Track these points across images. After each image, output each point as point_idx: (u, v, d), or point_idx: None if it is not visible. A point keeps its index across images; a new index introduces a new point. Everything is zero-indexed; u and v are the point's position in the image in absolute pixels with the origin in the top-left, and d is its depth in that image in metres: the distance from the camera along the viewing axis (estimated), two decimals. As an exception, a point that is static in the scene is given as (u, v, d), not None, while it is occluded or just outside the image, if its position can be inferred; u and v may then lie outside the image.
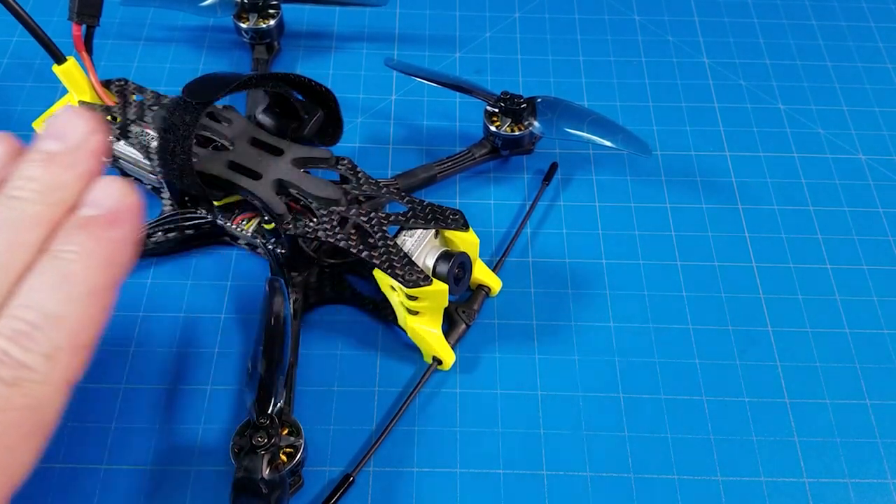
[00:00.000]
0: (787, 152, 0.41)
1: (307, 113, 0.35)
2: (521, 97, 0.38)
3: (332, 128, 0.36)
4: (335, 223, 0.31)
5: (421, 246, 0.31)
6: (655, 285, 0.36)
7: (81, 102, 0.36)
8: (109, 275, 0.20)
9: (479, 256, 0.34)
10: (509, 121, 0.38)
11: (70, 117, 0.21)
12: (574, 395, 0.32)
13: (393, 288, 0.31)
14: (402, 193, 0.32)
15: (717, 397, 0.33)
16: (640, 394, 0.33)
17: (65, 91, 0.36)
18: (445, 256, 0.31)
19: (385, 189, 0.32)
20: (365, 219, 0.31)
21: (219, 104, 0.34)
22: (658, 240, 0.37)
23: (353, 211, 0.31)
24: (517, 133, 0.38)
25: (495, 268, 0.35)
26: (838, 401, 0.33)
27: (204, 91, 0.31)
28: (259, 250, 0.35)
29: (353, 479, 0.30)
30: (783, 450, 0.31)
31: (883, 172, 0.41)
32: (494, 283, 0.35)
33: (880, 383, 0.33)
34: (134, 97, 0.36)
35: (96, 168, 0.21)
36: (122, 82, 0.37)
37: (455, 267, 0.31)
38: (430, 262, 0.31)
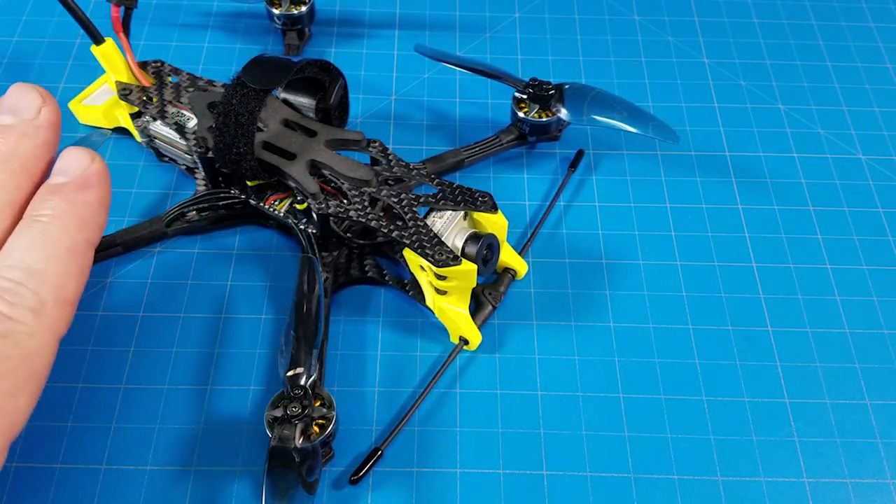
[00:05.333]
0: (787, 152, 0.41)
1: (329, 84, 0.36)
2: (549, 83, 0.38)
3: (339, 110, 0.37)
4: (366, 203, 0.32)
5: (450, 227, 0.32)
6: (655, 285, 0.36)
7: (118, 83, 0.36)
8: (85, 234, 0.22)
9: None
10: (537, 107, 0.38)
11: (20, 93, 0.23)
12: (574, 395, 0.33)
13: (422, 268, 0.31)
14: (432, 176, 0.33)
15: (717, 397, 0.33)
16: (640, 394, 0.33)
17: (102, 71, 0.37)
18: (474, 238, 0.31)
19: (415, 171, 0.33)
20: (395, 199, 0.31)
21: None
22: (658, 239, 0.37)
23: (384, 192, 0.32)
24: (544, 119, 0.38)
25: (521, 252, 0.36)
26: (838, 401, 0.33)
27: (265, 78, 0.32)
28: (290, 231, 0.36)
29: (381, 453, 0.30)
30: (783, 450, 0.31)
31: (883, 172, 0.41)
32: (521, 266, 0.35)
33: (880, 383, 0.33)
34: (170, 79, 0.37)
35: (52, 138, 0.23)
36: (159, 64, 0.37)
37: (483, 248, 0.31)
38: (459, 243, 0.31)
